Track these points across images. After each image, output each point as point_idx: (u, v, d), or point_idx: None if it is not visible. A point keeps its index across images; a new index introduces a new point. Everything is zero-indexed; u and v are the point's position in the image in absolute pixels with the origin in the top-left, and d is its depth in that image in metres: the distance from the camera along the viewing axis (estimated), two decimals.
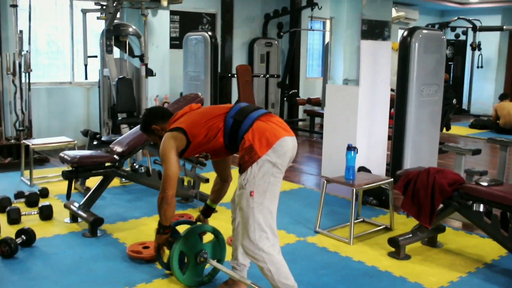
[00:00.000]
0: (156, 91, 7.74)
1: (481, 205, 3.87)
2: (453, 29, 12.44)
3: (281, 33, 9.91)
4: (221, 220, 4.35)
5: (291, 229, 4.21)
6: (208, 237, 3.25)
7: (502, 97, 10.29)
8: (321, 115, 9.64)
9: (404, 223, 4.38)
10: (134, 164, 4.51)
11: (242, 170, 2.58)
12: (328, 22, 11.14)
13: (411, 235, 3.76)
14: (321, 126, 9.92)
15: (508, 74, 13.30)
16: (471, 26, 12.02)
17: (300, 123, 10.00)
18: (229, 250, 3.20)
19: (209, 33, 6.96)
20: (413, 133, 5.23)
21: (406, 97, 5.24)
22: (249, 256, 2.63)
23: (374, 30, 5.73)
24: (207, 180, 5.10)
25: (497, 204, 3.35)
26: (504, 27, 11.86)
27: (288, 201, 5.08)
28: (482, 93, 12.95)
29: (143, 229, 4.11)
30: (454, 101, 6.37)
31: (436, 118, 5.59)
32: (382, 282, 3.31)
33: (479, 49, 12.30)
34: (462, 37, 12.82)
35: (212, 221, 4.31)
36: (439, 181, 3.56)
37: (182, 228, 3.14)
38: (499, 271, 3.53)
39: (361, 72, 5.44)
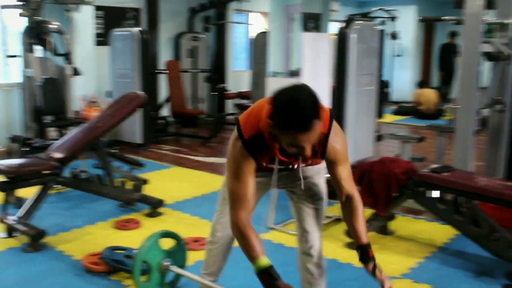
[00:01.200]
0: (82, 91, 7.36)
1: (433, 192, 3.96)
2: (373, 19, 12.81)
3: (208, 27, 9.75)
4: (169, 223, 4.20)
5: None
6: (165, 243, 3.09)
7: (421, 84, 10.74)
8: None
9: None
10: (76, 170, 4.24)
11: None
12: (252, 15, 11.14)
13: (367, 225, 3.78)
14: None
15: (425, 62, 13.93)
16: (390, 16, 12.43)
17: (229, 117, 9.91)
18: (193, 255, 3.07)
19: (138, 28, 6.70)
20: (352, 123, 5.29)
21: (344, 88, 5.29)
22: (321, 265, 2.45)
23: (309, 22, 5.75)
24: (145, 181, 4.93)
25: (450, 189, 3.44)
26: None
27: None
28: (401, 81, 13.43)
29: (89, 239, 3.87)
30: (386, 89, 6.53)
31: (372, 107, 5.70)
32: (346, 274, 3.31)
33: (398, 38, 12.77)
34: (381, 27, 13.24)
35: (160, 224, 4.17)
36: (394, 170, 3.60)
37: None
38: (452, 254, 3.64)
39: (303, 64, 5.42)
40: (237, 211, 2.01)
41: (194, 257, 3.45)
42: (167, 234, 3.01)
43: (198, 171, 6.05)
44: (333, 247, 3.71)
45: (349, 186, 2.15)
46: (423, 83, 10.80)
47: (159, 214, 4.41)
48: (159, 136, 7.90)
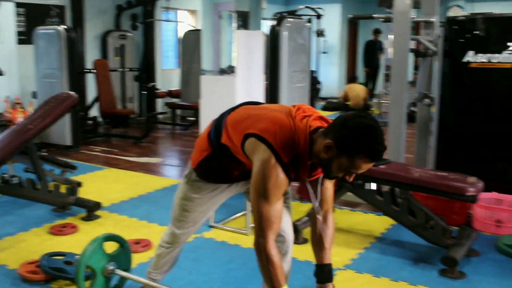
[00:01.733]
0: (5, 92, 7.01)
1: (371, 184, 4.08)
2: (299, 17, 13.03)
3: (136, 24, 9.55)
4: (107, 226, 4.09)
5: None
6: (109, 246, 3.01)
7: (351, 80, 11.04)
8: (182, 107, 9.53)
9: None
10: (6, 175, 4.03)
11: None
12: (180, 12, 11.02)
13: (307, 219, 3.85)
14: (182, 118, 9.82)
15: (350, 59, 14.33)
16: (316, 14, 12.68)
17: (160, 116, 9.77)
18: (135, 257, 3.00)
19: (64, 26, 6.46)
20: None
21: (278, 85, 5.36)
22: None
23: (238, 20, 5.78)
24: (79, 184, 4.78)
25: (387, 181, 3.56)
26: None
27: (169, 198, 4.90)
28: (328, 77, 13.75)
29: (23, 247, 3.69)
30: (318, 85, 6.68)
31: (305, 103, 5.79)
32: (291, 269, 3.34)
33: (324, 36, 13.06)
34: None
35: (99, 228, 4.05)
36: None
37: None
38: (390, 243, 3.78)
39: (237, 62, 5.42)
40: (267, 235, 1.97)
41: (137, 259, 3.39)
42: (110, 238, 2.92)
43: (132, 172, 5.92)
44: None
45: (330, 205, 2.20)
46: (353, 79, 11.11)
47: (96, 217, 4.27)
48: (88, 137, 7.67)
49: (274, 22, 5.43)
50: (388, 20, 4.38)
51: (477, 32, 4.19)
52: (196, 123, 7.38)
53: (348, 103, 10.57)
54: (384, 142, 1.84)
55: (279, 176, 1.92)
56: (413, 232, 3.52)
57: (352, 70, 14.25)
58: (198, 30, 10.01)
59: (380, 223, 4.14)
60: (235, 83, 5.37)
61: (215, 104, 5.63)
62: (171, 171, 6.24)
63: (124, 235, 3.83)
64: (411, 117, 4.86)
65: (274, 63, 5.38)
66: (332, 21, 13.32)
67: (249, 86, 5.57)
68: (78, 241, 3.75)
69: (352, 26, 14.65)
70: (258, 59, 5.73)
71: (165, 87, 9.96)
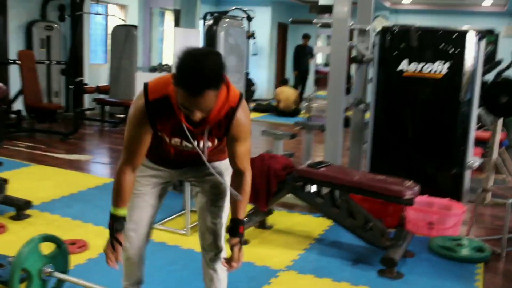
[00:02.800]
0: None
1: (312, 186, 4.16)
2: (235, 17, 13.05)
3: (63, 16, 9.18)
4: (39, 226, 3.91)
5: None
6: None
7: (282, 82, 11.18)
8: (112, 104, 9.28)
9: None
10: None
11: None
12: (110, 6, 10.72)
13: (247, 220, 3.86)
14: (111, 115, 9.56)
15: (279, 62, 14.53)
16: (246, 16, 12.73)
17: (88, 112, 9.46)
18: (71, 258, 2.89)
19: None
20: None
21: None
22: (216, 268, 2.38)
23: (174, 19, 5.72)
24: (5, 181, 4.53)
25: (327, 183, 3.64)
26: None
27: (105, 196, 4.73)
28: (257, 79, 13.87)
29: None
30: (252, 87, 6.72)
31: None
32: None
33: (254, 38, 13.14)
34: None
35: (30, 228, 3.85)
36: (273, 166, 3.73)
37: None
38: (329, 244, 3.87)
39: (174, 60, 5.36)
40: (124, 162, 2.10)
41: (73, 260, 3.26)
42: (47, 238, 2.79)
43: (61, 169, 5.70)
44: None
45: (243, 163, 2.13)
46: (284, 81, 11.25)
47: (26, 216, 4.08)
48: (12, 132, 7.29)
49: (211, 22, 5.40)
50: (327, 25, 4.48)
51: (410, 42, 4.37)
52: (126, 121, 7.18)
53: (279, 105, 10.73)
54: (205, 77, 1.75)
55: (137, 111, 2.00)
56: (352, 234, 3.62)
57: (281, 72, 14.45)
58: (129, 26, 9.79)
59: (318, 224, 4.23)
60: None
61: None
62: (102, 169, 6.07)
63: (58, 235, 3.70)
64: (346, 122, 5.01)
65: None
66: (262, 24, 13.45)
67: None
68: (7, 242, 3.57)
69: (282, 29, 14.87)
70: None
71: (93, 82, 9.65)
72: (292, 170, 3.77)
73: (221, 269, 2.36)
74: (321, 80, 10.70)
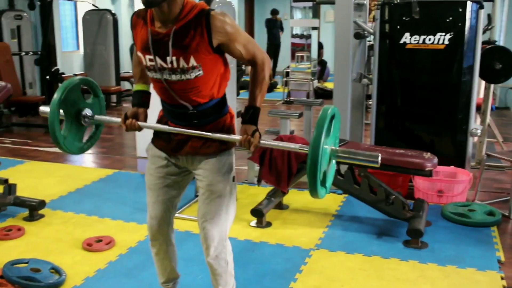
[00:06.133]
0: None
1: None
2: None
3: (32, 3, 8.86)
4: (56, 225, 3.84)
5: (139, 219, 3.88)
6: None
7: None
8: None
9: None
10: None
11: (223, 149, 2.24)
12: None
13: (267, 202, 3.90)
14: None
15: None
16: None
17: None
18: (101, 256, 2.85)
19: None
20: None
21: None
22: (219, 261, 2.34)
23: None
24: (6, 181, 4.43)
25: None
26: None
27: (113, 188, 4.74)
28: None
29: None
30: (243, 66, 6.70)
31: (232, 84, 5.79)
32: (266, 253, 3.39)
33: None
34: None
35: (47, 227, 3.75)
36: None
37: None
38: (348, 219, 3.94)
39: None
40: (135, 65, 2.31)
41: (104, 258, 3.26)
42: (86, 81, 2.45)
43: (58, 164, 5.59)
44: (239, 228, 3.73)
45: (250, 53, 2.09)
46: None
47: (40, 216, 4.00)
48: None
49: None
50: (330, 2, 4.49)
51: (412, 15, 4.39)
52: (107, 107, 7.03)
53: None
54: None
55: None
56: (375, 208, 3.71)
57: None
58: (102, 10, 9.54)
59: (332, 200, 4.30)
60: None
61: None
62: (99, 160, 5.96)
63: (79, 233, 3.69)
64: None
65: None
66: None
67: None
68: (29, 244, 3.51)
69: (248, 3, 14.78)
70: None
71: (67, 70, 9.41)
72: None
73: (218, 265, 2.33)
74: (296, 53, 10.74)
